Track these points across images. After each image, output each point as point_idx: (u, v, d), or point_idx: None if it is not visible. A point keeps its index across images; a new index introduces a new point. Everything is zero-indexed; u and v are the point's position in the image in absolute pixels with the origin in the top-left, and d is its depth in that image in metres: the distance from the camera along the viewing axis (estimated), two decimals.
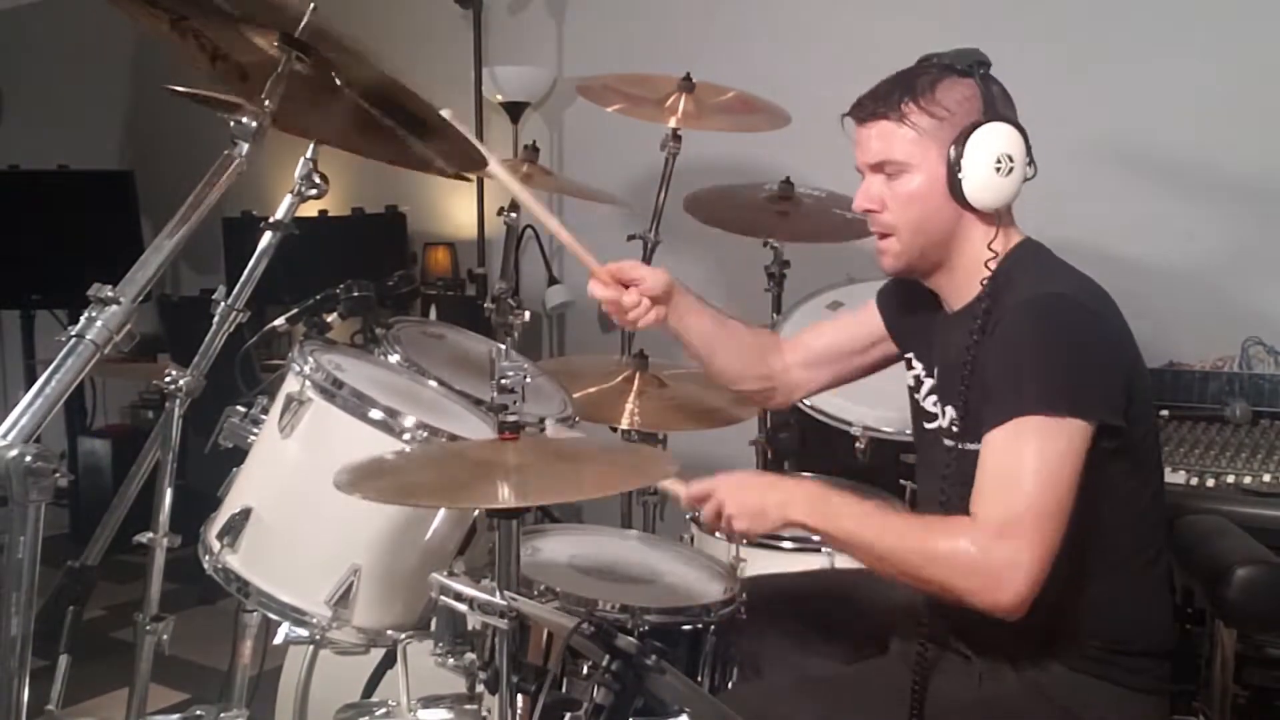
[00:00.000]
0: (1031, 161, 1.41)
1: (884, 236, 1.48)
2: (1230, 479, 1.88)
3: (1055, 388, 1.29)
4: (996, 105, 1.41)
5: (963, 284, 1.46)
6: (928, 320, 1.56)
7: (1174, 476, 1.89)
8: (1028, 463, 1.27)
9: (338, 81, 1.48)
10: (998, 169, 1.38)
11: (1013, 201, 1.43)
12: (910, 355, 1.60)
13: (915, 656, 1.41)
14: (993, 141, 1.38)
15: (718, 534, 1.77)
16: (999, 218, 1.43)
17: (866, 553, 1.34)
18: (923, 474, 1.60)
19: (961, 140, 1.38)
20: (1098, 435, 1.29)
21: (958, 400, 1.42)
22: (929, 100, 1.40)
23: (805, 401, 2.26)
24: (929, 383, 1.53)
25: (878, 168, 1.45)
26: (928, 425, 1.54)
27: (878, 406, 2.21)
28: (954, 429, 1.43)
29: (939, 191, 1.41)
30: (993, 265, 1.41)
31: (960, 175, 1.39)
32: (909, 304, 1.62)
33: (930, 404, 1.52)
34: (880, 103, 1.43)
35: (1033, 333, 1.33)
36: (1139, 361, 1.42)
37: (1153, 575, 1.43)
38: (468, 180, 3.45)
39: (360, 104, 1.52)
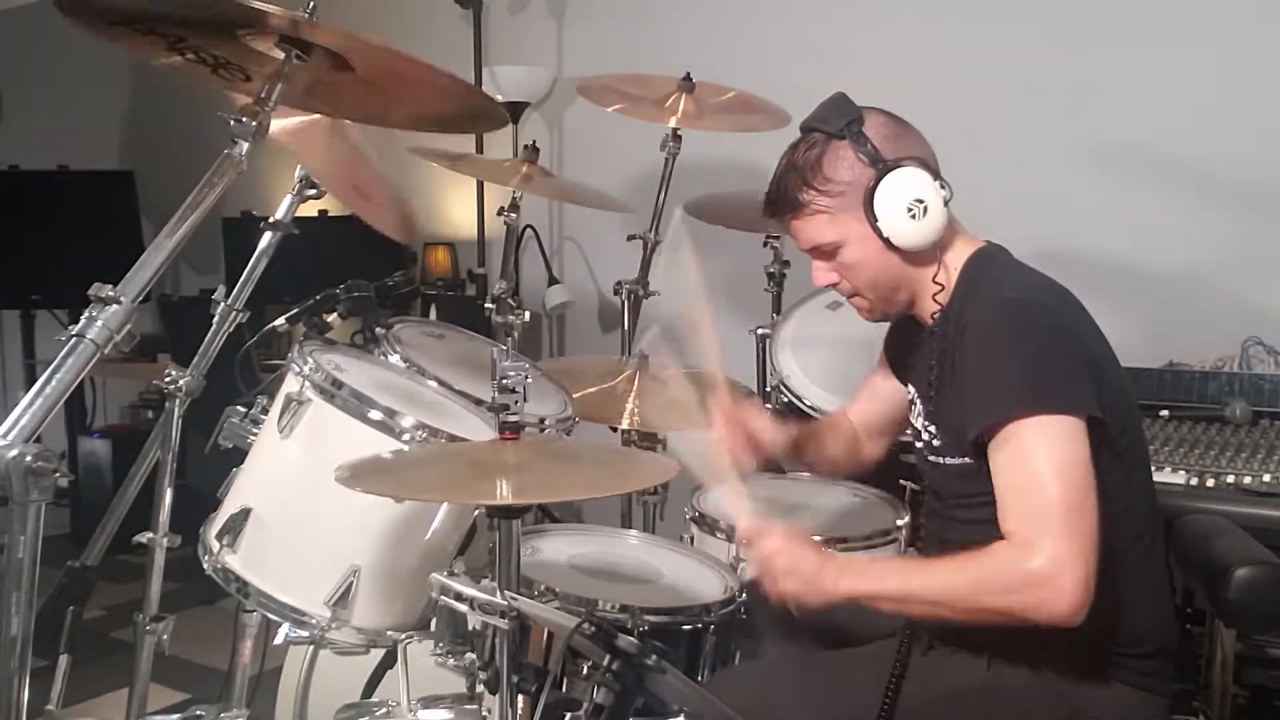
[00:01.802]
0: (944, 184, 1.43)
1: (852, 296, 1.53)
2: (1230, 479, 1.87)
3: (1034, 388, 1.30)
4: (882, 155, 1.42)
5: (932, 307, 1.49)
6: (916, 342, 1.58)
7: (1174, 476, 1.88)
8: (1040, 464, 1.27)
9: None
10: (912, 216, 1.41)
11: (944, 227, 1.44)
12: (909, 385, 1.61)
13: (898, 642, 1.44)
14: (893, 196, 1.41)
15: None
16: (939, 249, 1.46)
17: (921, 602, 1.34)
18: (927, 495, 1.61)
19: (867, 207, 1.42)
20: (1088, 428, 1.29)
21: (929, 416, 1.46)
22: (822, 181, 1.44)
23: (805, 401, 2.27)
24: (918, 402, 1.55)
25: (815, 252, 1.50)
26: (918, 444, 1.56)
27: None
28: (933, 444, 1.47)
29: (875, 249, 1.45)
30: (943, 299, 1.45)
31: (885, 236, 1.43)
32: (906, 334, 1.64)
33: (918, 421, 1.55)
34: (783, 201, 1.48)
35: (996, 340, 1.34)
36: (1106, 355, 1.42)
37: (1146, 569, 1.43)
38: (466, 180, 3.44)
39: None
